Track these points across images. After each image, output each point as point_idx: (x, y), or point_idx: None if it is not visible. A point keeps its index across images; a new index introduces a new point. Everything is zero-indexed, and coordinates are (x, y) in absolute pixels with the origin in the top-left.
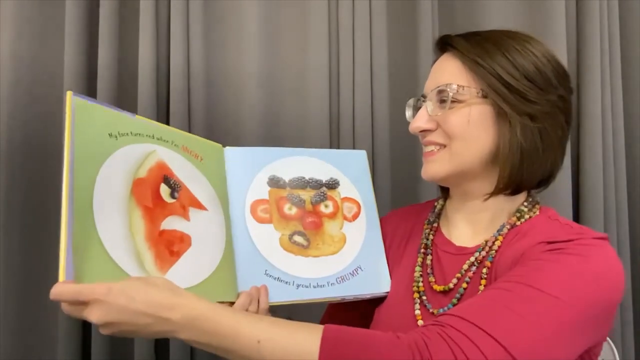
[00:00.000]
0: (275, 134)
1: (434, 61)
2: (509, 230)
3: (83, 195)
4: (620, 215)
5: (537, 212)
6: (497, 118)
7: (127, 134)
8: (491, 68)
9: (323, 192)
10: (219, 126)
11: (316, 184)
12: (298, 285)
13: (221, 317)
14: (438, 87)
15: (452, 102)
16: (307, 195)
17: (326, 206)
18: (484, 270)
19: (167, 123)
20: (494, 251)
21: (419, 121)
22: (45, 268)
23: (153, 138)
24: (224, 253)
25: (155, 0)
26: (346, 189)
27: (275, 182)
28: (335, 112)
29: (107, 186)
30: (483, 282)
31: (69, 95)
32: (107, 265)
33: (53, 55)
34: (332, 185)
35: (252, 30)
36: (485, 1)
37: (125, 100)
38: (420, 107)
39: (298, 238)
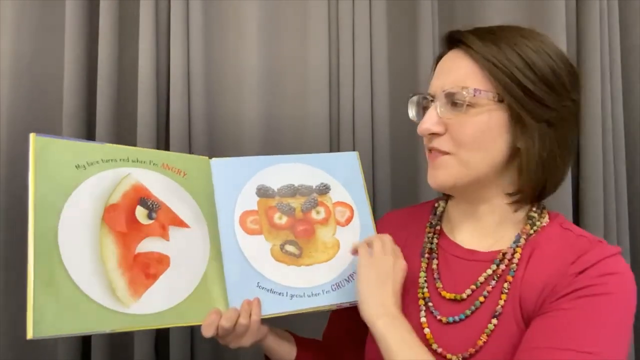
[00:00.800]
0: (275, 135)
1: (439, 57)
2: (525, 240)
3: (47, 233)
4: (620, 216)
5: (547, 219)
6: (513, 124)
7: (96, 162)
8: (508, 70)
9: (314, 199)
10: (218, 126)
11: (306, 191)
12: (292, 296)
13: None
14: (451, 88)
15: (467, 106)
16: (297, 202)
17: (317, 212)
18: (506, 284)
19: (167, 123)
20: (514, 264)
21: (428, 123)
22: None
23: (128, 161)
24: (207, 270)
25: (155, 0)
26: (338, 193)
27: (263, 192)
28: (335, 113)
29: (74, 218)
30: (504, 296)
31: (31, 137)
32: (77, 298)
33: (53, 55)
34: (323, 190)
35: (252, 31)
36: (485, 1)
37: (125, 100)
38: (425, 106)
39: (290, 247)
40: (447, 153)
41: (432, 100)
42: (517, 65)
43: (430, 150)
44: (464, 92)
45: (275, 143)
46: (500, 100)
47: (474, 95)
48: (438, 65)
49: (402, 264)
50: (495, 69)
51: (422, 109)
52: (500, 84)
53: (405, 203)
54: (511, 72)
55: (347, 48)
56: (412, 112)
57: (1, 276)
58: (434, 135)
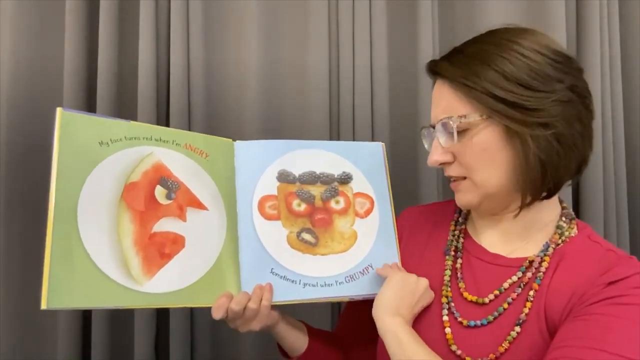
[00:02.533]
0: (275, 135)
1: (433, 85)
2: (554, 250)
3: (67, 207)
4: (620, 215)
5: (575, 229)
6: (508, 135)
7: (120, 139)
8: (482, 88)
9: (334, 188)
10: (218, 126)
11: (327, 179)
12: (305, 284)
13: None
14: (440, 120)
15: (459, 132)
16: (317, 191)
17: (337, 202)
18: (531, 292)
19: (167, 122)
20: (541, 273)
21: (434, 155)
22: None
23: (151, 140)
24: (222, 253)
25: (155, 0)
26: (359, 183)
27: (284, 177)
28: (335, 112)
29: (94, 194)
30: (528, 304)
31: (58, 111)
32: (92, 273)
33: (53, 55)
34: (345, 180)
35: (251, 30)
36: (485, 1)
37: (125, 100)
38: (433, 137)
39: (306, 236)
40: (463, 178)
41: (434, 133)
42: (489, 79)
43: (448, 179)
44: (451, 122)
45: None
46: (488, 117)
47: (460, 122)
48: (432, 96)
49: (431, 295)
50: (469, 90)
51: (432, 139)
52: (481, 103)
53: (405, 202)
54: (485, 87)
55: (347, 48)
56: (426, 144)
57: (1, 276)
58: (446, 164)
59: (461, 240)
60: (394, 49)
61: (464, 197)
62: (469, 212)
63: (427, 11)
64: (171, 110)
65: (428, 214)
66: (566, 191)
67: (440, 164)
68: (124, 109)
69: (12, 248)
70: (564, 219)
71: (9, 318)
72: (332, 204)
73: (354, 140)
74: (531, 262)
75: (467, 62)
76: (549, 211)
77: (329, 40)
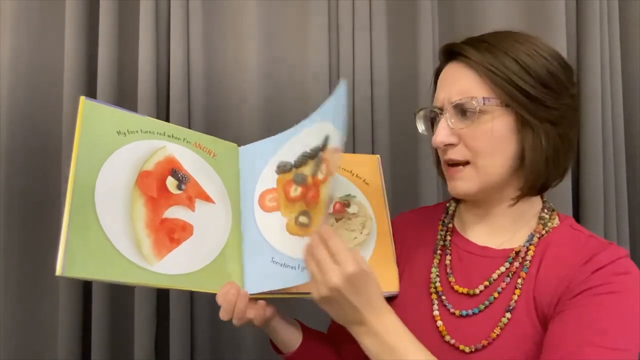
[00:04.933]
0: (275, 134)
1: (438, 70)
2: (538, 239)
3: (86, 186)
4: (620, 215)
5: (557, 220)
6: (520, 127)
7: (136, 131)
8: (507, 77)
9: (319, 158)
10: (218, 126)
11: (314, 152)
12: (303, 268)
13: (401, 334)
14: (459, 99)
15: (472, 115)
16: (308, 169)
17: (321, 171)
18: (519, 280)
19: (167, 122)
20: (528, 262)
21: (441, 135)
22: (45, 267)
23: (164, 135)
24: (227, 244)
25: (155, 0)
26: (334, 138)
27: (282, 168)
28: None
29: (111, 177)
30: (517, 292)
31: (81, 100)
32: (106, 248)
33: (53, 55)
34: (325, 144)
35: (251, 30)
36: (485, 1)
37: (125, 99)
38: (432, 118)
39: (302, 218)
40: (465, 162)
41: (440, 113)
42: (514, 71)
43: (447, 162)
44: (474, 102)
45: None
46: (506, 105)
47: (484, 104)
48: (440, 78)
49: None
50: (495, 76)
51: (430, 122)
52: (503, 91)
53: (406, 204)
54: (510, 78)
55: (347, 48)
56: (421, 127)
57: (1, 276)
58: (449, 146)
59: (448, 237)
60: (394, 49)
61: (463, 185)
62: (455, 209)
63: (427, 11)
64: (171, 110)
65: (419, 218)
66: (566, 191)
67: (445, 144)
68: (124, 109)
69: (12, 248)
70: (545, 210)
71: (9, 318)
72: (319, 176)
73: (353, 140)
74: (517, 252)
75: (493, 50)
76: (534, 205)
77: (329, 40)
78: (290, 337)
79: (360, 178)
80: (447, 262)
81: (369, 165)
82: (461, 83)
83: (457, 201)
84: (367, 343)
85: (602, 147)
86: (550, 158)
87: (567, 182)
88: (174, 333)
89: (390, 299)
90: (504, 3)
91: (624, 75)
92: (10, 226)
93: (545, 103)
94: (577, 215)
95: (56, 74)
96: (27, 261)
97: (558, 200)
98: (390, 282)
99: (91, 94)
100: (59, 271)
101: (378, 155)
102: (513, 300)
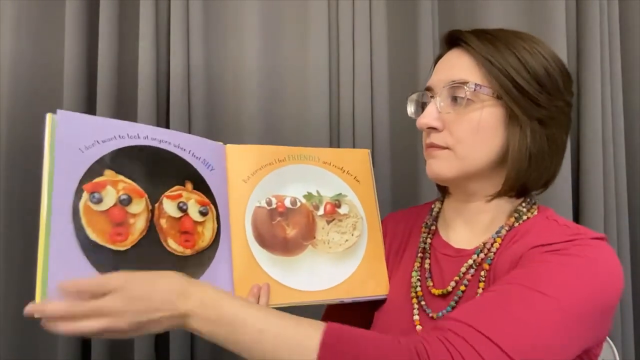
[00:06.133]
0: (275, 135)
1: (439, 56)
2: (507, 232)
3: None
4: (621, 215)
5: (536, 212)
6: (508, 121)
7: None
8: (504, 69)
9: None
10: (218, 126)
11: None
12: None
13: (227, 304)
14: (452, 82)
15: (463, 102)
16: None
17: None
18: (482, 272)
19: (167, 123)
20: (492, 253)
21: (427, 117)
22: None
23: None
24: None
25: (155, 0)
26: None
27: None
28: (335, 112)
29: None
30: (481, 284)
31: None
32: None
33: (53, 55)
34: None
35: (251, 30)
36: (485, 1)
37: (125, 100)
38: (424, 102)
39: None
40: (445, 148)
41: (431, 96)
42: (512, 65)
43: (428, 145)
44: (465, 87)
45: (275, 143)
46: (498, 97)
47: (475, 91)
48: (438, 64)
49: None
50: (492, 67)
51: (421, 106)
52: (498, 82)
53: (405, 203)
54: (507, 71)
55: (347, 48)
56: (410, 109)
57: (1, 275)
58: (432, 130)
59: (429, 240)
60: (394, 49)
61: (439, 165)
62: (439, 211)
63: (427, 11)
64: (171, 110)
65: (407, 219)
66: (566, 192)
67: (429, 127)
68: (124, 109)
69: (12, 248)
70: (524, 204)
71: (8, 318)
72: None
73: (353, 140)
74: (484, 244)
75: (494, 42)
76: (515, 203)
77: (329, 40)
78: None
79: (351, 175)
80: (427, 266)
81: (360, 161)
82: (457, 68)
83: (442, 201)
84: (202, 330)
85: (602, 147)
86: (533, 157)
87: (567, 182)
88: (174, 333)
89: (379, 302)
90: (504, 3)
91: (624, 76)
92: (10, 226)
93: (537, 101)
94: (577, 215)
95: (56, 74)
96: (27, 261)
97: (558, 201)
98: (380, 285)
99: (91, 94)
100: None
101: (368, 150)
102: (478, 294)
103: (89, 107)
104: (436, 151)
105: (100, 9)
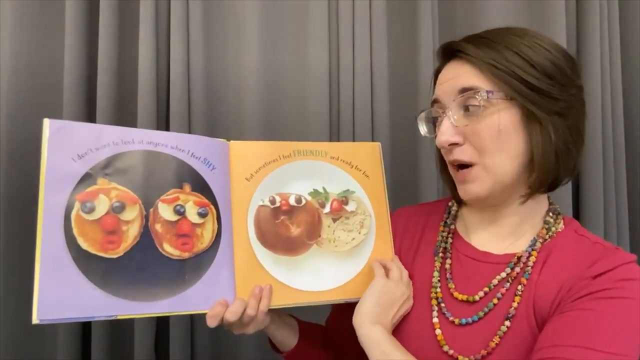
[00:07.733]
0: (275, 134)
1: (437, 70)
2: (541, 244)
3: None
4: (620, 215)
5: (561, 224)
6: (526, 121)
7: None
8: (511, 71)
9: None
10: (219, 126)
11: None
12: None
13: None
14: (462, 89)
15: (476, 111)
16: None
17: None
18: (519, 287)
19: (167, 122)
20: (529, 267)
21: (446, 134)
22: None
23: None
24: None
25: (155, 0)
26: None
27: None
28: (335, 112)
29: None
30: (517, 299)
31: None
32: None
33: (53, 55)
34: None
35: (252, 30)
36: (485, 1)
37: (125, 100)
38: (435, 119)
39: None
40: (471, 164)
41: (442, 112)
42: (516, 63)
43: (453, 164)
44: (477, 96)
45: None
46: (511, 99)
47: (487, 98)
48: (440, 77)
49: (410, 302)
50: (496, 70)
51: (433, 124)
52: (508, 85)
53: (405, 202)
54: (513, 71)
55: (347, 48)
56: (423, 129)
57: (1, 277)
58: (454, 145)
59: (450, 240)
60: (394, 49)
61: (473, 188)
62: (457, 211)
63: (427, 11)
64: (171, 110)
65: (419, 215)
66: (566, 192)
67: (450, 144)
68: (124, 110)
69: (12, 248)
70: (550, 214)
71: (8, 319)
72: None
73: (354, 139)
74: (519, 257)
75: (493, 46)
76: (540, 207)
77: (329, 40)
78: (286, 339)
79: (360, 170)
80: (447, 266)
81: (370, 155)
82: (462, 79)
83: (460, 202)
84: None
85: (602, 146)
86: (560, 152)
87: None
88: (174, 333)
89: None
90: (504, 3)
91: (624, 75)
92: (10, 227)
93: (552, 94)
94: (577, 215)
95: (56, 74)
96: (27, 261)
97: (558, 201)
98: None
99: (91, 94)
100: (34, 320)
101: (379, 143)
102: (513, 308)
103: (89, 108)
104: (468, 175)
105: (100, 9)
